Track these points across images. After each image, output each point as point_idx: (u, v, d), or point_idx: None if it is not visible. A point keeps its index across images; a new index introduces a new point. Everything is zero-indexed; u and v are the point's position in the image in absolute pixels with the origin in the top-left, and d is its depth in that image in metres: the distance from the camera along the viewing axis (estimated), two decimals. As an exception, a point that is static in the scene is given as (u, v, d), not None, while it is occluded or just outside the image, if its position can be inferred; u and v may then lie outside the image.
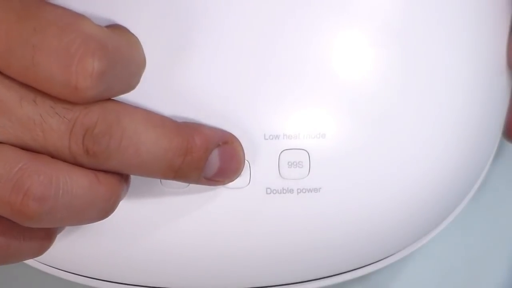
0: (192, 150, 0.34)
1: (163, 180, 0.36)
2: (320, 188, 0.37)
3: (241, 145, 0.36)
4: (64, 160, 0.33)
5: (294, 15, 0.37)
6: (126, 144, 0.33)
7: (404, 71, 0.37)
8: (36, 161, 0.32)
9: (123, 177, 0.34)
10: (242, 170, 0.36)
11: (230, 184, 0.36)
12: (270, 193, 0.37)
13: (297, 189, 0.37)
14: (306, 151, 0.36)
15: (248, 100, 0.36)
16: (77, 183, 0.33)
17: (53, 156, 0.33)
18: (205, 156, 0.34)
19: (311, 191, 0.37)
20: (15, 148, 0.32)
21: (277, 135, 0.36)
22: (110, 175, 0.33)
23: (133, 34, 0.34)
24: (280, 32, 0.37)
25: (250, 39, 0.36)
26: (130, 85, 0.34)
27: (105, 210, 0.34)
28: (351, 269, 0.39)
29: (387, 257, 0.40)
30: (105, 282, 0.39)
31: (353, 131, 0.37)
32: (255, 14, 0.37)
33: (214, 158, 0.35)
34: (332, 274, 0.39)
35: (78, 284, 0.40)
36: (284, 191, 0.37)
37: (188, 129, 0.34)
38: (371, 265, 0.40)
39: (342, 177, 0.37)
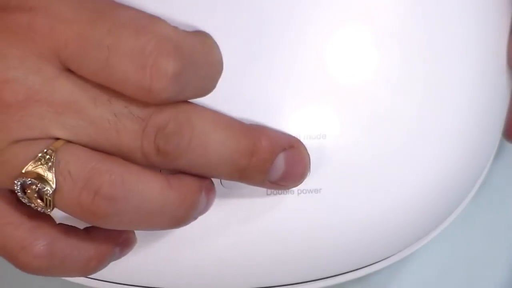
0: (258, 152, 0.34)
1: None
2: (320, 189, 0.37)
3: (306, 150, 0.36)
4: (135, 160, 0.33)
5: (293, 16, 0.37)
6: (195, 144, 0.33)
7: (404, 72, 0.37)
8: (108, 161, 0.32)
9: (201, 188, 0.34)
10: (307, 176, 0.36)
11: (231, 184, 0.36)
12: (270, 193, 0.37)
13: (298, 189, 0.37)
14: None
15: (249, 101, 0.36)
16: (147, 186, 0.32)
17: (125, 156, 0.33)
18: (270, 159, 0.34)
19: (312, 192, 0.37)
20: (87, 148, 0.32)
21: (277, 136, 0.36)
22: (184, 182, 0.33)
23: (210, 38, 0.34)
24: (280, 33, 0.37)
25: (249, 40, 0.36)
26: (205, 89, 0.34)
27: (176, 217, 0.33)
28: (351, 269, 0.39)
29: (388, 257, 0.40)
30: (105, 282, 0.39)
31: (354, 132, 0.37)
32: (252, 15, 0.37)
33: (280, 162, 0.35)
34: (332, 275, 0.39)
35: (78, 284, 0.40)
36: (285, 192, 0.37)
37: (255, 131, 0.34)
38: (371, 265, 0.40)
39: (342, 178, 0.37)
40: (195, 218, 0.34)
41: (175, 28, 0.32)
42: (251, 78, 0.36)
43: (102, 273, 0.39)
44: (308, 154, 0.36)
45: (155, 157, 0.33)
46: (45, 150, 0.32)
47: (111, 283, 0.39)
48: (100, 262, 0.35)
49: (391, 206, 0.38)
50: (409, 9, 0.37)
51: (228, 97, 0.36)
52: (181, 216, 0.33)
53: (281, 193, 0.37)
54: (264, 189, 0.36)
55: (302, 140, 0.36)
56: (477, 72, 0.39)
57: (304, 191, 0.37)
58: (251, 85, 0.36)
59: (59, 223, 0.34)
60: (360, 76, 0.37)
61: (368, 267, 0.40)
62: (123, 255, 0.36)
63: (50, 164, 0.32)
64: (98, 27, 0.31)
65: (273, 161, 0.34)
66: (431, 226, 0.40)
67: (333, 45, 0.37)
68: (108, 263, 0.35)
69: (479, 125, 0.39)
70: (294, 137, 0.36)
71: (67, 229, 0.34)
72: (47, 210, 0.33)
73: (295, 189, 0.37)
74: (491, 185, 0.46)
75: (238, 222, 0.37)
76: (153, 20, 0.32)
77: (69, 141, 0.32)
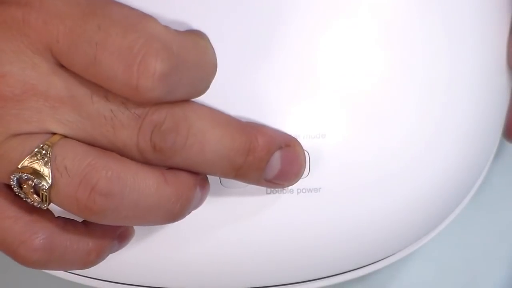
0: (254, 150, 0.34)
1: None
2: (320, 188, 0.37)
3: (303, 149, 0.36)
4: (131, 157, 0.33)
5: (293, 13, 0.37)
6: (191, 142, 0.33)
7: (404, 72, 0.37)
8: (104, 157, 0.32)
9: (196, 183, 0.34)
10: (302, 174, 0.36)
11: (231, 184, 0.36)
12: (270, 193, 0.37)
13: (297, 189, 0.37)
14: (306, 151, 0.36)
15: (248, 101, 0.36)
16: (144, 182, 0.32)
17: (121, 152, 0.33)
18: (266, 157, 0.34)
19: (311, 191, 0.37)
20: (83, 144, 0.32)
21: (277, 135, 0.36)
22: (180, 178, 0.33)
23: (204, 38, 0.34)
24: (279, 31, 0.37)
25: (248, 37, 0.36)
26: (198, 90, 0.33)
27: (172, 213, 0.33)
28: (351, 269, 0.39)
29: (387, 257, 0.40)
30: (105, 282, 0.39)
31: (353, 131, 0.37)
32: (253, 11, 0.37)
33: (276, 161, 0.35)
34: (332, 274, 0.39)
35: (77, 284, 0.40)
36: (284, 191, 0.37)
37: (251, 129, 0.34)
38: (371, 265, 0.40)
39: (342, 177, 0.37)
40: (189, 213, 0.34)
41: (166, 27, 0.32)
42: (250, 76, 0.36)
43: (101, 273, 0.39)
44: (304, 153, 0.36)
45: (151, 154, 0.33)
46: (41, 145, 0.32)
47: (111, 283, 0.39)
48: (99, 255, 0.35)
49: (390, 205, 0.38)
50: (410, 9, 0.38)
51: (227, 96, 0.36)
52: (177, 211, 0.33)
53: (281, 192, 0.37)
54: (264, 188, 0.36)
55: (301, 139, 0.36)
56: (477, 72, 0.39)
57: (304, 190, 0.37)
58: (250, 83, 0.36)
59: (57, 217, 0.34)
60: (360, 75, 0.37)
61: (368, 266, 0.40)
62: (122, 247, 0.36)
63: (46, 159, 0.32)
64: (89, 23, 0.31)
65: (269, 160, 0.34)
66: (431, 226, 0.40)
67: (335, 43, 0.37)
68: (107, 256, 0.35)
69: (479, 125, 0.39)
70: (290, 136, 0.36)
71: (66, 223, 0.34)
72: (43, 205, 0.33)
73: (294, 188, 0.37)
74: (491, 185, 0.46)
75: (237, 221, 0.37)
76: (143, 18, 0.32)
77: (65, 136, 0.32)
